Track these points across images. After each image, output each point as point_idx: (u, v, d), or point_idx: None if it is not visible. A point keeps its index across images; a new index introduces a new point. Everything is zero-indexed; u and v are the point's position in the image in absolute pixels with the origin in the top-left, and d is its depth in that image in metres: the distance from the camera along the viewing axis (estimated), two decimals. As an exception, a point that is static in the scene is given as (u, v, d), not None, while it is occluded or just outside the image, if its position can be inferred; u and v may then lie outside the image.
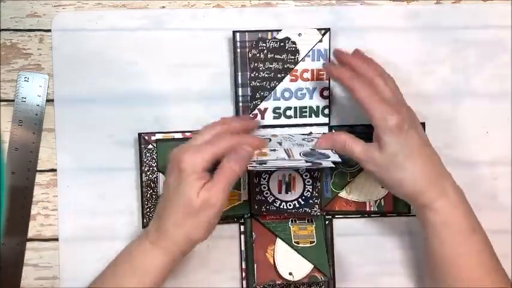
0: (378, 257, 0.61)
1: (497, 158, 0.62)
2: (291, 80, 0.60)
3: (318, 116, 0.60)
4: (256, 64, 0.59)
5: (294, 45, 0.59)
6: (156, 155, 0.59)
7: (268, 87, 0.59)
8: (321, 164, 0.51)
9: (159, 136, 0.59)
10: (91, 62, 0.60)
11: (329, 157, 0.53)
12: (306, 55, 0.59)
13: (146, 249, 0.51)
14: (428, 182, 0.52)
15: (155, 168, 0.59)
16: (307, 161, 0.51)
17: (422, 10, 0.61)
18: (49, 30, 0.60)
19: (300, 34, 0.59)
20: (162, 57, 0.60)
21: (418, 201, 0.52)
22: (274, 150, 0.53)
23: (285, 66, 0.59)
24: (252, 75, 0.59)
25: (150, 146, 0.59)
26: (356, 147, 0.53)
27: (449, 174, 0.54)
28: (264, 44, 0.59)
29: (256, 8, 0.61)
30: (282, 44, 0.59)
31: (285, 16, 0.61)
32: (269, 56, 0.59)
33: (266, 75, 0.59)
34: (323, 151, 0.54)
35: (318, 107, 0.60)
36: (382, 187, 0.60)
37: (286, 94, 0.60)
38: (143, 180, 0.59)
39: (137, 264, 0.51)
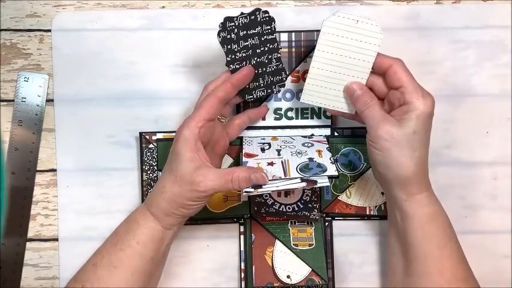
0: (377, 257, 0.61)
1: (497, 158, 0.62)
2: (293, 81, 0.60)
3: (320, 118, 0.60)
4: (229, 46, 0.53)
5: (266, 15, 0.53)
6: (156, 154, 0.59)
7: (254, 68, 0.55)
8: (316, 182, 0.51)
9: (159, 136, 0.59)
10: (91, 62, 0.60)
11: (326, 170, 0.53)
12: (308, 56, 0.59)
13: (141, 210, 0.53)
14: (423, 173, 0.52)
15: (155, 167, 0.59)
16: (302, 179, 0.51)
17: (422, 10, 0.61)
18: (49, 30, 0.60)
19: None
20: (162, 57, 0.60)
21: (408, 189, 0.52)
22: (272, 164, 0.53)
23: (263, 39, 0.54)
24: (229, 58, 0.54)
25: (150, 146, 0.59)
26: (375, 109, 0.52)
27: None
28: (232, 23, 0.53)
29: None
30: (252, 17, 0.53)
31: (285, 16, 0.61)
32: (241, 33, 0.53)
33: (244, 55, 0.54)
34: (320, 162, 0.54)
35: (319, 108, 0.60)
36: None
37: (288, 95, 0.60)
38: (144, 179, 0.59)
39: (132, 223, 0.53)
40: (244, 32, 0.53)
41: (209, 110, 0.51)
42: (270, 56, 0.54)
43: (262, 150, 0.56)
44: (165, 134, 0.59)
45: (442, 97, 0.61)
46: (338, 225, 0.61)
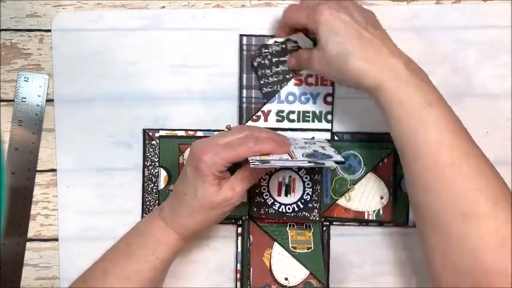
0: (376, 257, 0.61)
1: (497, 158, 0.61)
2: (296, 84, 0.60)
3: (321, 121, 0.60)
4: (263, 71, 0.59)
5: (295, 44, 0.59)
6: (158, 150, 0.60)
7: (279, 90, 0.60)
8: (323, 164, 0.51)
9: (162, 133, 0.60)
10: (91, 62, 0.60)
11: (332, 157, 0.53)
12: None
13: (160, 226, 0.53)
14: (371, 64, 0.49)
15: (157, 163, 0.60)
16: (310, 161, 0.51)
17: (422, 10, 0.61)
18: (49, 30, 0.60)
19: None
20: (162, 57, 0.60)
21: (367, 85, 0.50)
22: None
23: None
24: (262, 82, 0.59)
25: (153, 142, 0.60)
26: (303, 52, 0.56)
27: (403, 55, 0.52)
28: (267, 50, 0.59)
29: (257, 8, 0.61)
30: (283, 46, 0.59)
31: (285, 16, 0.61)
32: (274, 60, 0.59)
33: (275, 79, 0.59)
34: (326, 152, 0.54)
35: (320, 112, 0.60)
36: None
37: (290, 98, 0.60)
38: (145, 174, 0.60)
39: (150, 239, 0.53)
40: (276, 59, 0.59)
41: (238, 158, 0.51)
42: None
43: None
44: (167, 132, 0.60)
45: (442, 97, 0.61)
46: (336, 230, 0.61)
